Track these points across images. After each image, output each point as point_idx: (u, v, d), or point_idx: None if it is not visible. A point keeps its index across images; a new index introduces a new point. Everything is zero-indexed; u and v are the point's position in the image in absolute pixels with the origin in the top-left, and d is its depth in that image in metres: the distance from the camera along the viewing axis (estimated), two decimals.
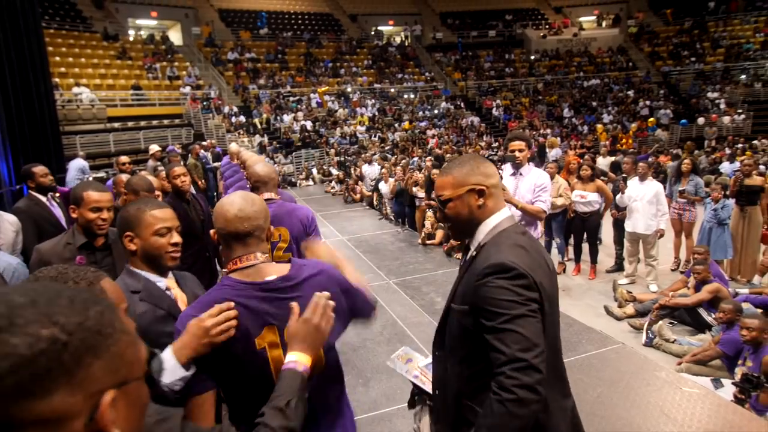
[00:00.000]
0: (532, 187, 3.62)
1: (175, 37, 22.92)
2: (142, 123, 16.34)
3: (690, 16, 25.57)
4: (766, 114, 19.36)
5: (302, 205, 2.80)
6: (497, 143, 17.83)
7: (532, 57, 25.41)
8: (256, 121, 18.56)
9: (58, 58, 16.39)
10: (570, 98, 22.14)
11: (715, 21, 25.06)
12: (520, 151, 3.65)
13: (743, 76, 21.35)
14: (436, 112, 21.17)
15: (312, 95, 20.49)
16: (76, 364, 0.53)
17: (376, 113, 20.47)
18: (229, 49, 22.07)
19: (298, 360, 1.22)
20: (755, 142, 15.82)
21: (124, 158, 5.99)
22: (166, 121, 16.99)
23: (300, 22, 26.05)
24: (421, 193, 7.47)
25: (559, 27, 26.89)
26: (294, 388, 1.17)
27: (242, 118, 18.36)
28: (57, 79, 14.92)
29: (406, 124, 19.65)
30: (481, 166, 1.47)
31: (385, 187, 8.42)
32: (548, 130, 19.02)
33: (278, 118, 18.84)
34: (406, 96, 22.19)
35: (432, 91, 22.87)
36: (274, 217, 2.56)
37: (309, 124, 18.60)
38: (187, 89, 18.67)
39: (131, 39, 20.86)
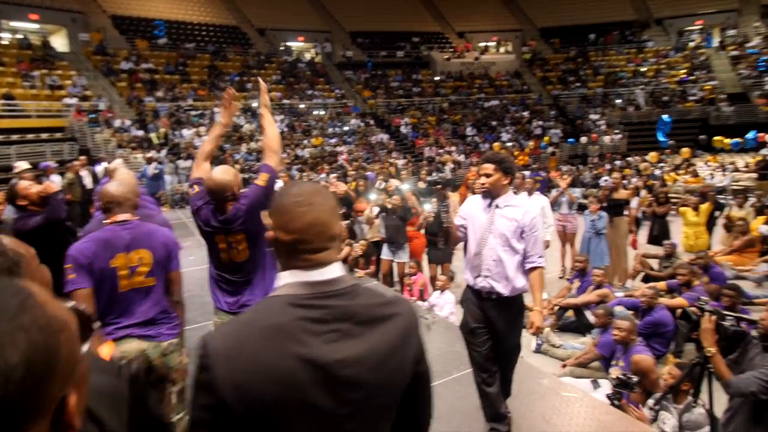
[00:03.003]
0: (514, 226, 2.72)
1: (60, 43, 20.95)
2: (14, 137, 14.64)
3: (574, 46, 28.27)
4: (638, 134, 21.79)
5: (164, 228, 2.57)
6: (405, 160, 18.27)
7: (437, 78, 26.54)
8: (153, 135, 17.39)
9: None
10: (473, 117, 23.37)
11: (595, 51, 27.91)
12: (488, 176, 2.74)
13: (618, 101, 23.92)
14: (346, 129, 21.27)
15: (216, 110, 19.66)
16: (36, 394, 0.52)
17: (285, 129, 20.13)
18: (122, 59, 20.61)
19: None
20: (629, 159, 17.71)
21: None
22: (44, 135, 15.36)
23: (204, 33, 25.06)
24: None
25: (461, 51, 28.42)
26: None
27: (138, 133, 17.13)
28: None
29: (315, 141, 19.52)
30: (289, 209, 1.02)
31: None
32: (453, 148, 19.86)
33: (177, 132, 17.82)
34: (316, 112, 22.08)
35: (342, 108, 22.99)
36: (132, 240, 2.33)
37: None
38: (73, 100, 17.10)
39: (5, 43, 18.73)
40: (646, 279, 5.91)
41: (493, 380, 2.85)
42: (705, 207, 6.85)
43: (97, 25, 22.07)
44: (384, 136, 21.23)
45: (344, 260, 6.58)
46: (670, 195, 8.59)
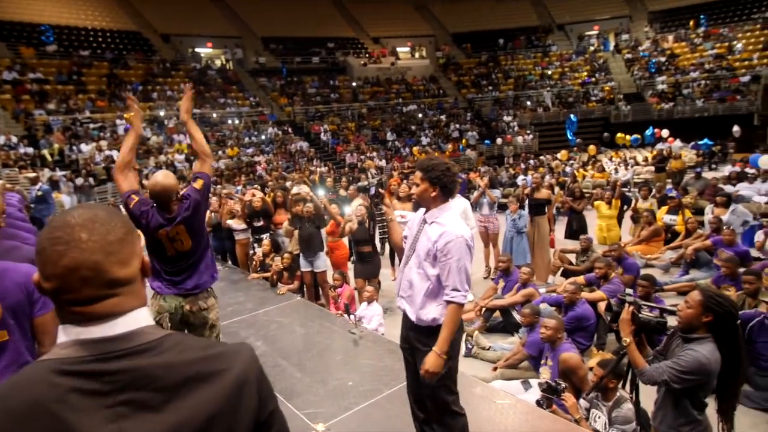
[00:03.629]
0: (427, 248, 2.33)
1: None
2: None
3: (485, 51, 29.49)
4: (547, 134, 23.10)
5: (23, 264, 2.07)
6: (326, 167, 17.97)
7: (355, 84, 26.49)
8: (45, 152, 15.71)
9: None
10: (392, 122, 23.54)
11: (504, 55, 29.29)
12: (416, 185, 2.41)
13: (528, 103, 25.22)
14: (263, 137, 20.55)
15: (118, 121, 18.19)
16: None
17: None
18: (4, 68, 18.48)
19: None
20: (542, 157, 18.64)
21: None
22: None
23: (101, 39, 23.14)
24: (238, 225, 6.87)
25: (378, 56, 28.60)
26: None
27: (28, 150, 15.37)
28: None
29: (230, 151, 18.64)
30: (44, 248, 0.77)
31: None
32: (374, 153, 19.83)
33: (75, 147, 16.24)
34: (230, 121, 21.13)
35: (258, 117, 22.20)
36: None
37: (115, 154, 16.38)
38: None
39: None
40: (565, 274, 6.07)
41: (422, 404, 2.64)
42: (616, 201, 7.22)
43: None
44: (303, 144, 20.77)
45: (268, 277, 6.17)
46: (583, 190, 9.00)
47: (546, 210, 6.36)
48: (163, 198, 2.80)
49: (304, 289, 6.27)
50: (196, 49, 25.71)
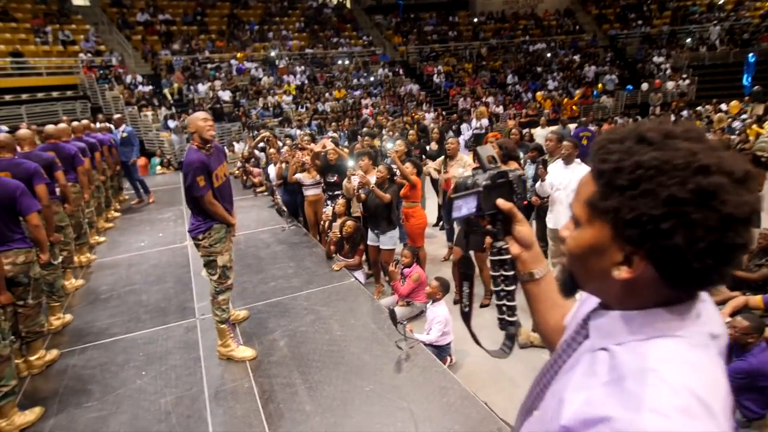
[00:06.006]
0: (547, 425, 0.75)
1: None
2: (24, 96, 14.03)
3: None
4: (710, 79, 18.74)
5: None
6: (435, 113, 16.48)
7: (476, 20, 23.86)
8: (166, 91, 16.37)
9: None
10: (515, 63, 20.89)
11: None
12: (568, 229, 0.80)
13: (689, 40, 20.64)
14: (372, 79, 19.46)
15: (233, 62, 18.36)
16: None
17: (306, 81, 18.60)
18: (138, 10, 19.45)
19: None
20: (699, 108, 15.09)
21: None
22: (55, 93, 14.70)
23: None
24: (309, 179, 5.96)
25: None
26: None
27: (149, 89, 16.14)
28: None
29: (337, 93, 17.91)
30: None
31: (272, 171, 6.87)
32: (490, 98, 17.75)
33: (192, 88, 16.69)
34: (340, 62, 20.31)
35: (369, 57, 21.07)
36: None
37: (227, 95, 16.57)
38: (89, 56, 16.28)
39: None
40: (732, 282, 4.25)
41: None
42: None
43: None
44: (414, 87, 19.30)
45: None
46: (758, 155, 6.65)
47: None
48: None
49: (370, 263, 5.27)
50: None
